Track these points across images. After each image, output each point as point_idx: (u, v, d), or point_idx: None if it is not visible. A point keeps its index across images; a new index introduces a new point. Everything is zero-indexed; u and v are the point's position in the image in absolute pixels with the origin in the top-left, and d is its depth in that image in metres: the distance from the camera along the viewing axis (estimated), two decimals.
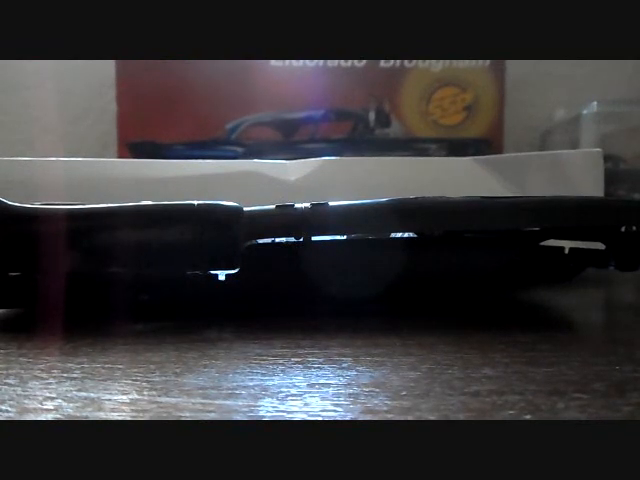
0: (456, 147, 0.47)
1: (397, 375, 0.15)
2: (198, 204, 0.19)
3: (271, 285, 0.24)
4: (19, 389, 0.14)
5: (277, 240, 0.20)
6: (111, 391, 0.14)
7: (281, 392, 0.14)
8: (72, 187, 0.25)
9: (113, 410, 0.13)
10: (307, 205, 0.20)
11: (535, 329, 0.20)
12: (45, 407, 0.13)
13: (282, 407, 0.13)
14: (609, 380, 0.14)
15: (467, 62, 0.47)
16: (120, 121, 0.46)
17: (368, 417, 0.12)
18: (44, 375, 0.15)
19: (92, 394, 0.13)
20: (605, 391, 0.14)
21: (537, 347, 0.17)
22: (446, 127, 0.47)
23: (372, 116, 0.47)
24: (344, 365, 0.16)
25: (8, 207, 0.19)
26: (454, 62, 0.47)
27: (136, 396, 0.13)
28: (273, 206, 0.20)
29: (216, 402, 0.13)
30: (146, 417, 0.12)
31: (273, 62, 0.46)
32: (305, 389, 0.14)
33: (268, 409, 0.13)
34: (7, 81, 0.54)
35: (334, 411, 0.12)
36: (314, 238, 0.20)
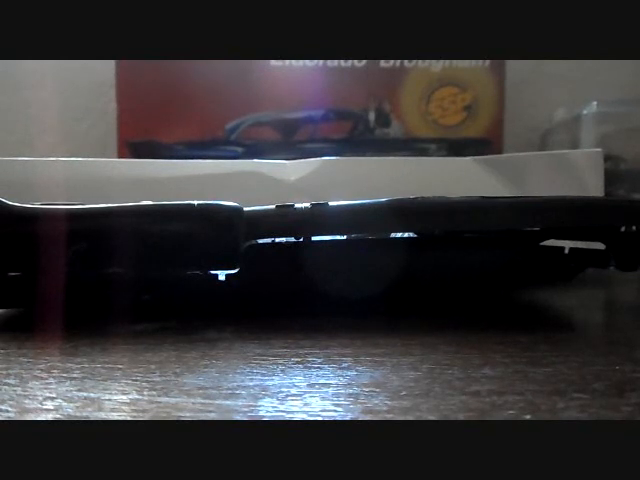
0: (456, 147, 0.47)
1: (397, 375, 0.15)
2: (198, 204, 0.19)
3: (271, 285, 0.24)
4: (19, 389, 0.14)
5: (277, 240, 0.20)
6: (111, 391, 0.14)
7: (281, 392, 0.14)
8: (72, 187, 0.25)
9: (113, 410, 0.13)
10: (307, 205, 0.20)
11: (535, 329, 0.20)
12: (45, 407, 0.13)
13: (282, 407, 0.13)
14: (609, 380, 0.14)
15: (467, 62, 0.47)
16: (120, 121, 0.46)
17: (368, 417, 0.12)
18: (44, 375, 0.15)
19: (92, 394, 0.13)
20: (605, 391, 0.14)
21: (537, 347, 0.17)
22: (446, 127, 0.47)
23: (372, 116, 0.47)
24: (344, 365, 0.16)
25: (8, 207, 0.19)
26: (454, 62, 0.47)
27: (136, 396, 0.13)
28: (273, 206, 0.20)
29: (216, 402, 0.13)
30: (146, 417, 0.12)
31: (273, 62, 0.46)
32: (305, 389, 0.14)
33: (268, 409, 0.13)
34: (7, 81, 0.54)
35: (334, 411, 0.12)
36: (314, 238, 0.20)
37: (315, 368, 0.16)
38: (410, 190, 0.22)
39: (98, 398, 0.13)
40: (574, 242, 0.25)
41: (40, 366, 0.16)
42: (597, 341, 0.20)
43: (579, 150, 0.33)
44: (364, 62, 0.46)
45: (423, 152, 0.47)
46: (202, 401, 0.13)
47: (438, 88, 0.47)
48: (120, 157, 0.46)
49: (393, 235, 0.22)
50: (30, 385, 0.14)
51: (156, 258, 0.19)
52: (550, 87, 0.55)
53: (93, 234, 0.19)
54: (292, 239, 0.20)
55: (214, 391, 0.14)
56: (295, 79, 0.46)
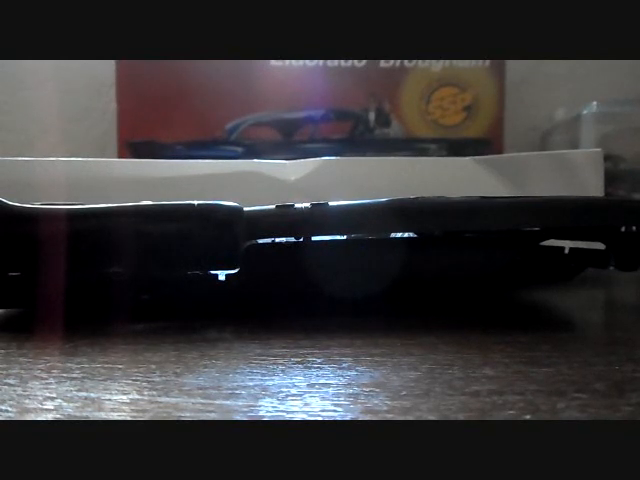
0: (456, 147, 0.47)
1: (397, 375, 0.15)
2: (198, 204, 0.19)
3: (271, 285, 0.24)
4: (19, 389, 0.14)
5: (277, 240, 0.20)
6: (111, 391, 0.14)
7: (281, 392, 0.14)
8: (72, 187, 0.25)
9: (113, 410, 0.13)
10: (307, 205, 0.20)
11: (535, 329, 0.20)
12: (45, 407, 0.13)
13: (282, 407, 0.13)
14: (609, 380, 0.14)
15: (467, 62, 0.47)
16: (120, 121, 0.46)
17: (368, 417, 0.12)
18: (44, 375, 0.15)
19: (92, 394, 0.13)
20: (605, 391, 0.14)
21: (537, 347, 0.17)
22: (446, 127, 0.47)
23: (372, 116, 0.47)
24: (344, 365, 0.16)
25: (8, 207, 0.19)
26: (454, 62, 0.47)
27: (136, 396, 0.13)
28: (273, 206, 0.20)
29: (216, 402, 0.13)
30: (146, 417, 0.12)
31: (273, 62, 0.46)
32: (305, 389, 0.14)
33: (268, 409, 0.13)
34: (7, 81, 0.54)
35: (334, 411, 0.12)
36: (314, 238, 0.20)
37: (315, 368, 0.16)
38: (410, 190, 0.22)
39: (98, 398, 0.13)
40: (574, 242, 0.25)
41: (40, 366, 0.16)
42: (597, 341, 0.20)
43: (579, 150, 0.33)
44: (364, 62, 0.46)
45: (423, 152, 0.47)
46: (202, 401, 0.13)
47: (438, 88, 0.47)
48: (120, 157, 0.46)
49: (393, 235, 0.22)
50: (30, 385, 0.14)
51: (156, 258, 0.19)
52: (550, 87, 0.55)
53: (93, 234, 0.19)
54: (292, 239, 0.20)
55: (214, 391, 0.14)
56: (295, 79, 0.46)
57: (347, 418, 0.12)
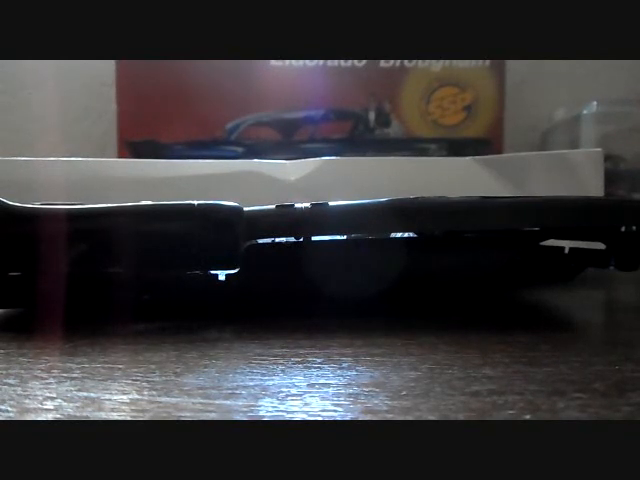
0: (456, 147, 0.47)
1: (397, 375, 0.15)
2: (198, 204, 0.19)
3: (271, 285, 0.24)
4: (19, 389, 0.14)
5: (277, 240, 0.20)
6: (111, 391, 0.14)
7: (281, 392, 0.14)
8: (72, 187, 0.25)
9: (113, 410, 0.13)
10: (307, 205, 0.20)
11: (535, 329, 0.20)
12: (45, 407, 0.13)
13: (282, 407, 0.13)
14: (609, 380, 0.14)
15: (467, 62, 0.47)
16: (120, 121, 0.46)
17: (368, 417, 0.12)
18: (44, 375, 0.15)
19: (92, 394, 0.13)
20: (605, 391, 0.14)
21: (537, 347, 0.17)
22: (446, 127, 0.47)
23: (372, 116, 0.47)
24: (344, 365, 0.16)
25: (8, 207, 0.19)
26: (454, 62, 0.47)
27: (136, 396, 0.13)
28: (273, 206, 0.20)
29: (216, 402, 0.13)
30: (146, 417, 0.12)
31: (273, 62, 0.46)
32: (305, 389, 0.14)
33: (268, 409, 0.13)
34: (7, 81, 0.54)
35: (334, 411, 0.12)
36: (314, 238, 0.20)
37: (315, 368, 0.16)
38: (410, 190, 0.22)
39: (98, 398, 0.13)
40: (574, 242, 0.25)
41: (40, 366, 0.16)
42: (597, 341, 0.20)
43: (579, 150, 0.33)
44: (364, 62, 0.46)
45: (423, 152, 0.47)
46: (202, 401, 0.13)
47: (438, 88, 0.47)
48: (120, 157, 0.46)
49: (393, 235, 0.22)
50: (30, 385, 0.14)
51: (156, 258, 0.19)
52: (550, 87, 0.55)
53: (93, 234, 0.19)
54: (292, 239, 0.20)
55: (214, 391, 0.14)
56: (295, 79, 0.46)
57: (347, 418, 0.12)
